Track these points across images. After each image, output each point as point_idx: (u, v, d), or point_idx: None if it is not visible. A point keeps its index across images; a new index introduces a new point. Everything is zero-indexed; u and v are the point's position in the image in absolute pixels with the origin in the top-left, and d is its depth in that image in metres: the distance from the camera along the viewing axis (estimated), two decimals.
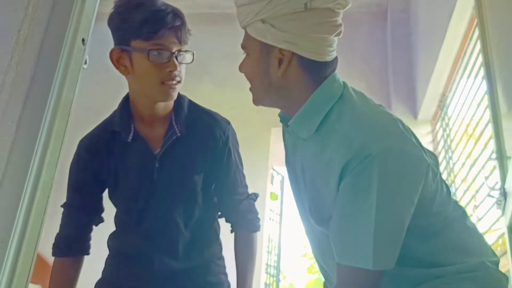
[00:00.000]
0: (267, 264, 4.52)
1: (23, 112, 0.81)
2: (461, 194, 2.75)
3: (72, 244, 1.44)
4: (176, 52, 1.33)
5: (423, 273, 1.05)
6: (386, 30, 4.14)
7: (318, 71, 1.07)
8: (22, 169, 0.76)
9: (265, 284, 4.46)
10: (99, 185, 1.47)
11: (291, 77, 1.07)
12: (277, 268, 4.92)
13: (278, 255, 4.87)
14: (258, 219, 1.53)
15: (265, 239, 4.13)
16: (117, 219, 1.50)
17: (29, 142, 0.79)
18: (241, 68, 1.15)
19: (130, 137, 1.39)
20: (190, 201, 1.43)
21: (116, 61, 1.34)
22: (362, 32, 4.13)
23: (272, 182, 4.35)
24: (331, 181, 1.00)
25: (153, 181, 1.40)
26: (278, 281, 4.95)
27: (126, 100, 1.45)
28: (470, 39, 2.63)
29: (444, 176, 3.14)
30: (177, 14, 1.34)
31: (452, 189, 2.91)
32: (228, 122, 1.52)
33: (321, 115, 1.06)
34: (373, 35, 4.17)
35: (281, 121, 1.20)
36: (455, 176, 2.97)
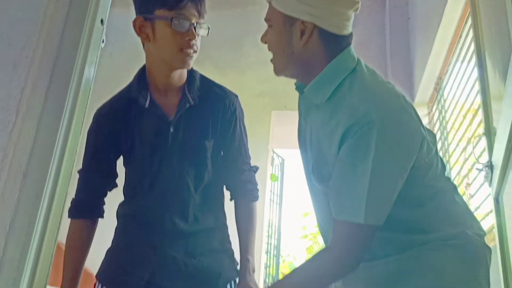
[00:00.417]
0: (267, 244, 4.63)
1: (50, 84, 0.90)
2: (455, 173, 2.85)
3: (87, 207, 1.51)
4: (196, 23, 1.44)
5: (409, 239, 1.14)
6: (385, 15, 4.20)
7: (335, 43, 1.16)
8: (51, 133, 0.85)
9: (265, 265, 4.58)
10: (115, 151, 1.54)
11: (311, 48, 1.16)
12: (277, 248, 5.03)
13: (278, 236, 4.99)
14: (257, 190, 1.62)
15: (265, 220, 4.24)
16: (128, 187, 1.57)
17: (57, 110, 0.88)
18: (263, 39, 1.23)
19: (147, 104, 1.48)
20: (201, 166, 1.52)
21: (139, 29, 1.44)
22: (361, 16, 4.16)
23: (272, 164, 4.45)
24: (334, 144, 1.10)
25: (167, 145, 1.49)
26: (278, 261, 5.07)
27: (143, 70, 1.54)
28: (465, 25, 2.70)
29: (440, 164, 3.23)
30: None
31: (447, 168, 3.01)
32: (236, 95, 1.62)
33: (334, 85, 1.15)
34: (372, 20, 4.22)
35: (296, 89, 1.30)
36: (449, 156, 3.05)
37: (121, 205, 1.60)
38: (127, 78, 1.56)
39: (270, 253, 4.82)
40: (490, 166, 1.54)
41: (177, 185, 1.49)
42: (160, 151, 1.49)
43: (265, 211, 4.12)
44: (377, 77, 1.20)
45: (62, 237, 1.18)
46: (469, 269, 1.11)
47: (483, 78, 1.69)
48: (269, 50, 1.23)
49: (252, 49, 4.17)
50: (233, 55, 4.25)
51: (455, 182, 2.77)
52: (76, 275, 1.48)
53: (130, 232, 1.53)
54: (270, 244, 4.78)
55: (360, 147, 1.05)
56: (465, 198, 2.68)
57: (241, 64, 4.20)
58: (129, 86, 1.56)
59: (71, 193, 0.95)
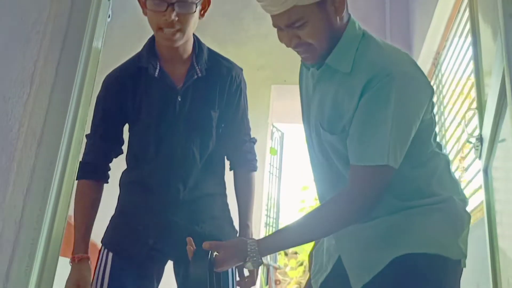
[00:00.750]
0: (267, 216, 4.73)
1: (60, 57, 0.95)
2: (451, 147, 2.91)
3: (93, 169, 1.57)
4: (176, 3, 1.44)
5: (400, 204, 1.23)
6: None
7: (347, 8, 1.26)
8: (63, 103, 0.91)
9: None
10: (122, 116, 1.59)
11: (343, 17, 1.25)
12: (276, 221, 5.14)
13: (277, 209, 5.09)
14: (256, 160, 1.70)
15: (265, 193, 4.32)
16: (132, 154, 1.63)
17: (68, 82, 0.94)
18: (294, 42, 1.24)
19: (157, 73, 1.54)
20: (206, 134, 1.59)
21: (142, 5, 1.49)
22: None
23: (271, 138, 4.51)
24: (354, 96, 1.19)
25: (174, 113, 1.55)
26: None
27: (152, 41, 1.59)
28: (463, 1, 2.72)
29: (436, 130, 3.29)
30: None
31: (443, 142, 3.07)
32: (241, 69, 1.68)
33: (354, 50, 1.24)
34: None
35: (305, 66, 1.38)
36: (446, 130, 3.11)
37: (124, 173, 1.66)
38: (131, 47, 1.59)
39: (269, 225, 4.92)
40: (480, 139, 1.60)
41: (183, 153, 1.56)
42: (166, 119, 1.55)
43: (264, 184, 4.19)
44: (384, 41, 1.31)
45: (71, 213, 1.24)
46: (453, 233, 1.21)
47: (476, 54, 1.73)
48: (303, 46, 1.25)
49: (252, 22, 4.17)
50: (233, 28, 4.25)
51: (451, 156, 2.86)
52: (87, 233, 1.54)
53: (134, 199, 1.60)
54: (270, 217, 4.88)
55: (381, 96, 1.15)
56: (459, 171, 2.76)
57: (240, 37, 4.21)
58: (139, 54, 1.61)
59: None
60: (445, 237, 1.21)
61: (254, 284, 1.46)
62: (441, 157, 1.32)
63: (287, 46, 1.27)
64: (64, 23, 0.97)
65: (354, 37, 1.25)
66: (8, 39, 0.96)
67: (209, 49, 1.65)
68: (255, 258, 1.23)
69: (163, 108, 1.55)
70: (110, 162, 1.61)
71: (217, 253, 1.26)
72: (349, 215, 1.21)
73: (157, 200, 1.56)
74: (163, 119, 1.55)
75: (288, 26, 1.21)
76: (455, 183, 1.33)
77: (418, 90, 1.20)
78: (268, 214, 4.82)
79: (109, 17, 1.10)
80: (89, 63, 0.99)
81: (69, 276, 1.47)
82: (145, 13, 1.50)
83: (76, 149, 0.96)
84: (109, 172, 1.60)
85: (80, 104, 0.96)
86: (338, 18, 1.24)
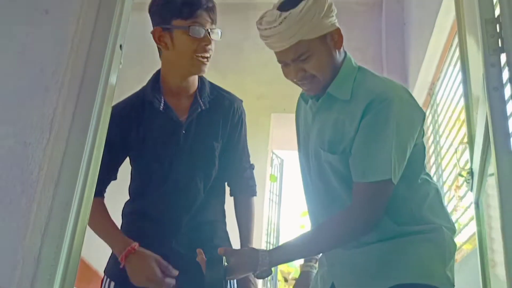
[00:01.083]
0: (266, 242, 4.76)
1: (77, 104, 1.03)
2: (447, 175, 2.98)
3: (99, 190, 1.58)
4: (209, 30, 1.58)
5: (392, 227, 1.31)
6: (381, 20, 4.32)
7: (343, 46, 1.40)
8: (78, 148, 0.99)
9: None
10: (123, 148, 1.64)
11: (341, 51, 1.39)
12: (276, 245, 5.16)
13: (277, 234, 5.11)
14: (256, 185, 1.78)
15: (265, 219, 4.37)
16: (136, 186, 1.69)
17: (83, 128, 1.02)
18: (300, 75, 1.34)
19: (161, 106, 1.61)
20: (209, 165, 1.65)
21: (158, 39, 1.59)
22: (358, 22, 4.31)
23: (271, 165, 4.58)
24: (355, 119, 1.30)
25: (179, 146, 1.62)
26: None
27: (156, 76, 1.68)
28: (456, 33, 2.83)
29: (432, 159, 3.37)
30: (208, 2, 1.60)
31: (439, 171, 3.14)
32: (241, 100, 1.78)
33: (352, 81, 1.37)
34: (368, 25, 4.35)
35: (303, 99, 1.50)
36: (441, 159, 3.18)
37: (127, 204, 1.71)
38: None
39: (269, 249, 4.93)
40: (471, 173, 1.67)
41: (187, 184, 1.62)
42: (171, 151, 1.62)
43: (264, 210, 4.24)
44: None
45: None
46: (441, 263, 1.29)
47: (466, 90, 1.81)
48: (308, 79, 1.35)
49: (252, 53, 4.29)
50: (234, 58, 4.36)
51: (447, 184, 2.92)
52: (118, 231, 1.59)
53: (136, 230, 1.63)
54: (269, 243, 4.91)
55: (381, 118, 1.27)
56: (455, 199, 2.82)
57: (241, 67, 4.32)
58: (143, 89, 1.69)
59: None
60: (434, 267, 1.28)
61: None
62: (431, 185, 1.41)
63: (293, 80, 1.37)
64: (80, 72, 1.05)
65: (351, 69, 1.39)
66: (29, 87, 1.05)
67: (210, 83, 1.74)
68: (265, 268, 1.29)
69: (167, 141, 1.62)
70: (104, 188, 1.67)
71: (226, 263, 1.33)
72: (355, 230, 1.29)
73: (161, 230, 1.61)
74: (167, 152, 1.61)
75: (294, 60, 1.32)
76: (444, 211, 1.41)
77: (412, 113, 1.33)
78: (268, 240, 4.84)
79: (120, 64, 1.18)
80: (103, 110, 1.06)
81: (131, 272, 1.49)
82: (165, 46, 1.58)
83: (90, 190, 1.03)
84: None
85: (94, 149, 1.03)
86: (337, 51, 1.37)
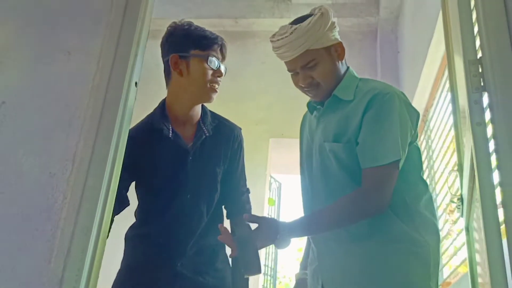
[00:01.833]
0: (265, 266, 4.80)
1: (96, 138, 1.12)
2: (441, 200, 3.06)
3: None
4: (222, 63, 1.73)
5: (389, 215, 1.41)
6: (376, 49, 4.47)
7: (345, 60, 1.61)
8: (98, 178, 1.08)
9: (263, 286, 4.73)
10: (131, 173, 1.68)
11: (343, 63, 1.59)
12: (274, 270, 5.19)
13: (275, 257, 5.15)
14: (251, 209, 1.86)
15: (266, 202, 4.40)
16: (143, 209, 1.75)
17: (102, 160, 1.11)
18: (307, 81, 1.53)
19: (171, 134, 1.70)
20: (213, 190, 1.74)
21: (174, 65, 1.70)
22: (354, 50, 4.45)
23: (270, 189, 4.65)
24: (359, 112, 1.45)
25: (185, 172, 1.70)
26: (275, 282, 5.22)
27: (163, 106, 1.77)
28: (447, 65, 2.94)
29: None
30: (222, 37, 1.78)
31: (434, 195, 3.22)
32: (240, 128, 1.89)
33: (354, 86, 1.54)
34: (364, 53, 4.48)
35: (309, 110, 1.68)
36: (435, 183, 3.27)
37: (132, 228, 1.76)
38: None
39: (267, 274, 4.97)
40: (461, 199, 1.76)
41: (192, 208, 1.70)
42: (178, 177, 1.69)
43: (266, 190, 4.30)
44: None
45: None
46: (427, 277, 1.39)
47: (455, 118, 1.90)
48: (314, 86, 1.54)
49: (251, 79, 4.41)
50: (234, 84, 4.47)
51: (441, 208, 3.00)
52: None
53: (141, 254, 1.69)
54: (267, 266, 4.94)
55: (385, 108, 1.43)
56: (449, 224, 2.90)
57: (241, 93, 4.42)
58: (151, 117, 1.78)
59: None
60: (419, 282, 1.37)
61: None
62: (428, 188, 1.53)
63: (301, 87, 1.56)
64: (99, 108, 1.15)
65: (354, 77, 1.59)
66: (54, 123, 1.14)
67: (211, 111, 1.85)
68: (285, 235, 1.37)
69: (175, 167, 1.70)
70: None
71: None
72: (368, 210, 1.39)
73: (166, 253, 1.67)
74: (175, 177, 1.69)
75: (303, 67, 1.52)
76: (436, 217, 1.52)
77: (409, 108, 1.49)
78: (266, 263, 4.88)
79: (135, 99, 1.28)
80: (120, 143, 1.16)
81: None
82: (180, 72, 1.69)
83: (108, 216, 1.11)
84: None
85: (112, 179, 1.12)
86: (340, 62, 1.56)
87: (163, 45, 1.76)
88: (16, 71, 1.20)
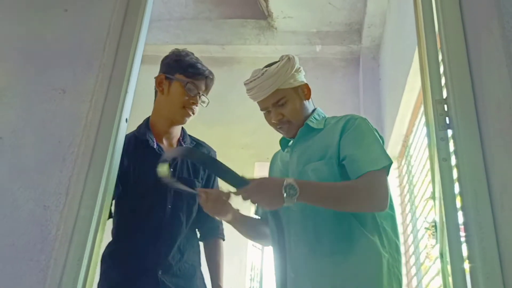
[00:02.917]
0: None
1: (88, 172, 1.20)
2: (420, 224, 3.15)
3: None
4: (201, 94, 1.87)
5: (359, 233, 1.51)
6: (359, 75, 4.61)
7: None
8: (89, 211, 1.15)
9: None
10: (121, 181, 1.72)
11: (310, 102, 1.76)
12: None
13: (261, 279, 5.17)
14: (223, 230, 1.96)
15: (248, 264, 4.45)
16: (119, 225, 1.81)
17: (93, 193, 1.18)
18: (277, 117, 1.69)
19: (155, 145, 1.82)
20: (190, 202, 1.83)
21: (158, 83, 1.87)
22: (337, 76, 4.59)
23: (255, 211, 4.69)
24: (336, 134, 1.60)
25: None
26: None
27: (147, 121, 1.91)
28: None
29: (407, 208, 3.55)
30: (211, 73, 1.94)
31: (414, 220, 3.31)
32: (215, 151, 2.03)
33: (323, 120, 1.73)
34: (347, 79, 4.61)
35: (281, 147, 1.81)
36: (416, 208, 3.36)
37: (109, 245, 1.80)
38: None
39: None
40: (435, 226, 1.85)
41: (172, 218, 1.78)
42: (159, 186, 1.74)
43: (248, 256, 4.34)
44: None
45: None
46: None
47: (430, 148, 2.00)
48: (285, 124, 1.70)
49: (237, 105, 4.50)
50: (220, 109, 4.55)
51: (420, 233, 3.09)
52: None
53: (118, 268, 1.73)
54: None
55: (362, 127, 1.60)
56: (428, 248, 2.98)
57: (226, 118, 4.51)
58: (136, 131, 1.90)
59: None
60: None
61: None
62: (394, 209, 1.63)
63: (274, 123, 1.70)
64: (91, 145, 1.23)
65: (322, 113, 1.79)
66: (49, 158, 1.22)
67: (189, 135, 1.98)
68: (291, 190, 1.38)
69: (156, 177, 1.74)
70: None
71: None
72: (375, 205, 1.49)
73: (148, 263, 1.71)
74: (157, 187, 1.75)
75: (274, 105, 1.68)
76: (398, 239, 1.62)
77: (377, 131, 1.64)
78: (252, 285, 4.90)
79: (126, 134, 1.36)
80: (110, 177, 1.23)
81: None
82: (161, 91, 1.84)
83: (98, 247, 1.18)
84: None
85: (103, 210, 1.20)
86: (307, 101, 1.74)
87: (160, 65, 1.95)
88: (13, 108, 1.27)
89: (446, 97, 1.34)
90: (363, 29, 4.40)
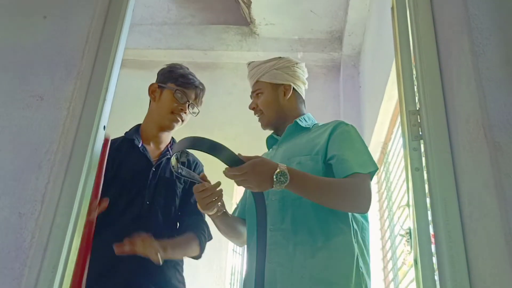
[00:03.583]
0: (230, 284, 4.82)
1: (65, 179, 1.20)
2: (397, 230, 3.20)
3: None
4: (190, 104, 1.97)
5: (338, 228, 1.55)
6: (339, 82, 4.67)
7: (302, 101, 1.89)
8: (65, 218, 1.15)
9: None
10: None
11: (292, 101, 1.84)
12: None
13: (241, 285, 5.18)
14: (206, 232, 1.95)
15: (228, 269, 4.47)
16: (97, 219, 1.75)
17: (70, 200, 1.18)
18: (252, 105, 1.86)
19: (140, 145, 1.90)
20: (170, 202, 1.88)
21: (151, 91, 1.99)
22: (318, 83, 4.64)
23: None
24: (324, 134, 1.66)
25: (147, 179, 1.84)
26: None
27: (138, 126, 2.01)
28: None
29: (385, 214, 3.61)
30: (202, 84, 2.05)
31: (391, 226, 3.36)
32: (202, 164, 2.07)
33: (312, 123, 1.81)
34: (328, 86, 4.67)
35: (268, 146, 1.93)
36: (393, 214, 3.41)
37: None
38: None
39: None
40: (410, 233, 1.89)
41: (150, 216, 1.80)
42: (140, 182, 1.84)
43: (228, 260, 4.35)
44: None
45: None
46: None
47: (405, 158, 2.05)
48: (258, 112, 1.84)
49: (219, 110, 4.51)
50: (201, 115, 4.55)
51: (397, 239, 3.14)
52: None
53: (97, 263, 1.66)
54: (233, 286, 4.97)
55: (351, 132, 1.66)
56: (404, 254, 3.03)
57: (208, 124, 4.50)
58: (126, 133, 1.99)
59: None
60: None
61: None
62: (366, 222, 1.67)
63: (251, 109, 1.87)
64: (68, 152, 1.23)
65: (313, 118, 1.86)
66: (25, 165, 1.21)
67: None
68: (282, 177, 1.38)
69: (139, 173, 1.86)
70: None
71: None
72: (360, 205, 1.53)
73: (123, 260, 1.67)
74: (137, 182, 1.84)
75: (253, 93, 1.87)
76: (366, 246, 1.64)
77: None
78: (232, 281, 4.91)
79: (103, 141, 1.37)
80: (87, 184, 1.24)
81: None
82: (154, 98, 1.96)
83: (73, 255, 1.18)
84: None
85: (79, 218, 1.20)
86: (286, 99, 1.82)
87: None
88: None
89: (418, 109, 1.38)
90: (344, 37, 4.46)
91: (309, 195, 1.51)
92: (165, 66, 2.09)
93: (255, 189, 1.46)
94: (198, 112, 2.05)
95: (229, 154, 1.39)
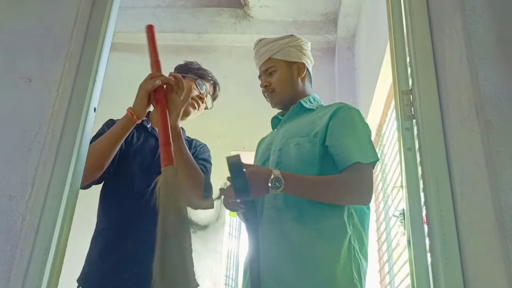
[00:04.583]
0: (226, 277, 4.86)
1: (55, 162, 1.19)
2: (392, 211, 3.22)
3: None
4: (209, 94, 2.05)
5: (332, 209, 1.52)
6: (334, 65, 4.65)
7: (310, 79, 1.89)
8: (56, 200, 1.14)
9: None
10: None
11: (304, 80, 1.83)
12: (236, 281, 5.26)
13: (237, 268, 5.22)
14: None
15: (224, 253, 4.49)
16: (105, 202, 1.87)
17: (61, 183, 1.18)
18: (265, 83, 1.81)
19: (149, 126, 1.96)
20: None
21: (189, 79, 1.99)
22: (314, 66, 4.59)
23: None
24: (325, 117, 1.63)
25: (154, 160, 1.88)
26: None
27: (147, 113, 2.01)
28: None
29: (380, 195, 3.63)
30: (218, 83, 2.15)
31: (386, 208, 3.38)
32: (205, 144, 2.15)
33: (317, 104, 1.79)
34: (323, 69, 4.65)
35: (272, 124, 1.90)
36: (388, 196, 3.43)
37: (96, 226, 1.84)
38: None
39: (229, 285, 5.03)
40: (403, 214, 1.90)
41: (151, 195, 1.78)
42: (148, 163, 1.87)
43: (224, 244, 4.38)
44: None
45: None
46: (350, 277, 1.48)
47: (399, 139, 2.05)
48: (269, 91, 1.80)
49: None
50: None
51: (392, 221, 3.16)
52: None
53: (104, 243, 1.78)
54: (229, 277, 5.00)
55: (353, 117, 1.62)
56: (399, 235, 3.06)
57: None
58: None
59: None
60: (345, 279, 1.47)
61: None
62: (368, 208, 1.64)
63: (262, 89, 1.82)
64: (59, 134, 1.22)
65: (319, 99, 1.84)
66: (14, 147, 1.20)
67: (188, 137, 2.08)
68: (277, 183, 1.40)
69: (145, 154, 1.89)
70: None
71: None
72: (360, 199, 1.52)
73: (129, 244, 1.73)
74: (144, 163, 1.87)
75: (264, 72, 1.82)
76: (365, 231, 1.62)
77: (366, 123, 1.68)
78: (228, 274, 4.95)
79: (94, 123, 1.36)
80: (78, 166, 1.23)
81: None
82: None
83: (65, 237, 1.18)
84: None
85: (70, 199, 1.19)
86: (299, 80, 1.80)
87: None
88: None
89: (411, 88, 1.37)
90: (339, 19, 4.43)
91: (306, 195, 1.52)
92: (181, 63, 2.15)
93: (252, 195, 1.46)
94: (212, 107, 2.11)
95: (242, 182, 1.35)
